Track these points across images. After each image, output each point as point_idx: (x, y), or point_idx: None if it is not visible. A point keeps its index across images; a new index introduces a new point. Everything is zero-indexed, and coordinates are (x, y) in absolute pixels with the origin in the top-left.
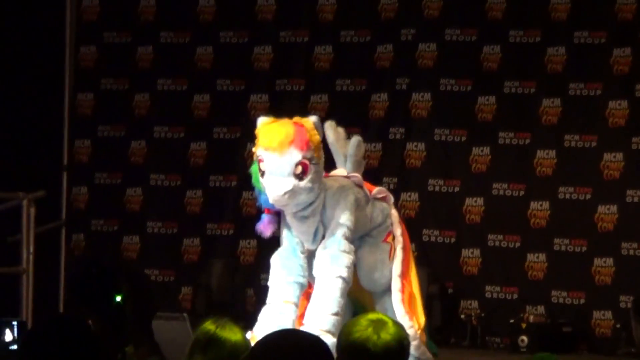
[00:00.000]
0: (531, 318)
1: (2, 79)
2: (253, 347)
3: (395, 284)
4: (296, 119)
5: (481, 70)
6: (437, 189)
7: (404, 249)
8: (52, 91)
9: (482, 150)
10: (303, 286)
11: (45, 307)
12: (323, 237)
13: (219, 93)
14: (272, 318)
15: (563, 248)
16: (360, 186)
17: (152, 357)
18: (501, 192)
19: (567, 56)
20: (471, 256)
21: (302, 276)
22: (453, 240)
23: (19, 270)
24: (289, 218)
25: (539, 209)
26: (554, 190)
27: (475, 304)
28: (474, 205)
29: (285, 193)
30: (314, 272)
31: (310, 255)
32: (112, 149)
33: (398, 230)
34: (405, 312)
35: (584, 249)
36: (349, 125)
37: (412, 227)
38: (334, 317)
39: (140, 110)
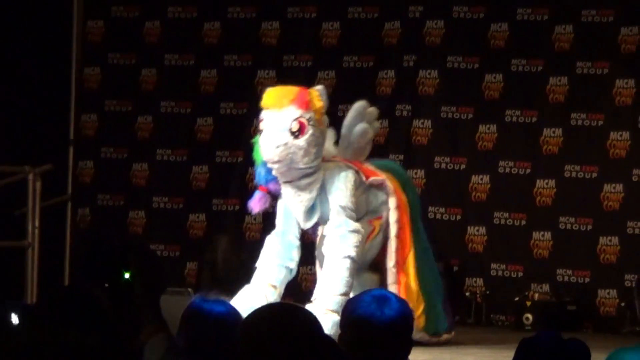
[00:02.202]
0: (536, 296)
1: (9, 54)
2: (243, 321)
3: (390, 276)
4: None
5: (488, 47)
6: (443, 166)
7: (400, 238)
8: (59, 65)
9: (488, 128)
10: (291, 271)
11: (50, 281)
12: (320, 218)
13: (226, 68)
14: (249, 298)
15: (568, 226)
16: (356, 170)
17: (160, 334)
18: (507, 170)
19: (575, 34)
20: (477, 234)
21: (292, 260)
22: (459, 217)
23: (24, 244)
24: (284, 190)
25: (545, 187)
26: (560, 169)
27: (480, 281)
28: (480, 182)
29: (278, 146)
30: (323, 251)
31: (302, 239)
32: (119, 123)
33: (393, 217)
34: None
35: (590, 227)
36: (356, 101)
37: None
38: (342, 297)
39: (147, 85)
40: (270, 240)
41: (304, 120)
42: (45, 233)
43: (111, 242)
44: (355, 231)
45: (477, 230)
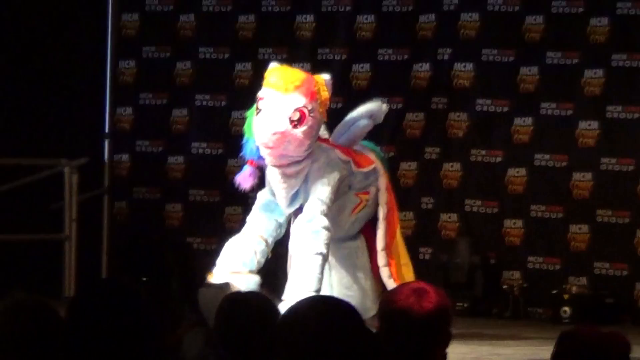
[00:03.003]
0: (574, 289)
1: (45, 48)
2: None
3: (381, 259)
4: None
5: (524, 40)
6: (479, 159)
7: (388, 220)
8: (94, 59)
9: (524, 121)
10: (281, 226)
11: (88, 275)
12: (301, 206)
13: (260, 62)
14: (238, 250)
15: (606, 219)
16: (346, 161)
17: (197, 327)
18: (543, 163)
19: (610, 27)
20: (513, 227)
21: (281, 215)
22: (495, 210)
23: (62, 238)
24: (269, 173)
25: (582, 180)
26: (596, 162)
27: (517, 274)
28: (516, 175)
29: (275, 133)
30: (291, 246)
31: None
32: (154, 117)
33: (383, 199)
34: (395, 280)
35: (627, 220)
36: (391, 94)
37: (454, 197)
38: (314, 295)
39: (182, 79)
40: (262, 195)
41: (305, 110)
42: (82, 226)
43: (149, 236)
44: (327, 228)
45: (514, 224)
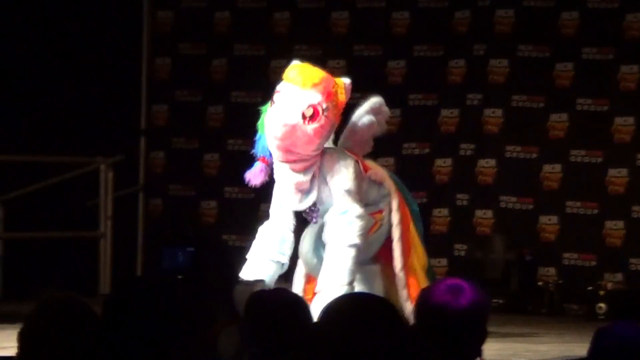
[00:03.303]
0: (609, 285)
1: (80, 45)
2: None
3: (399, 281)
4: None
5: (559, 36)
6: (514, 155)
7: (403, 240)
8: (130, 56)
9: (560, 117)
10: (282, 266)
11: (123, 272)
12: (318, 203)
13: (296, 58)
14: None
15: None
16: (355, 161)
17: (233, 325)
18: (579, 159)
19: None
20: (548, 223)
21: (284, 255)
22: (530, 207)
23: (97, 235)
24: (276, 168)
25: (617, 176)
26: (632, 158)
27: (552, 271)
28: (552, 172)
29: (285, 125)
30: (325, 237)
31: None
32: (190, 113)
33: (396, 219)
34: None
35: None
36: (426, 91)
37: (489, 193)
38: (347, 287)
39: (218, 75)
40: (263, 232)
41: (319, 108)
42: (117, 223)
43: (184, 234)
44: (361, 217)
45: (549, 220)
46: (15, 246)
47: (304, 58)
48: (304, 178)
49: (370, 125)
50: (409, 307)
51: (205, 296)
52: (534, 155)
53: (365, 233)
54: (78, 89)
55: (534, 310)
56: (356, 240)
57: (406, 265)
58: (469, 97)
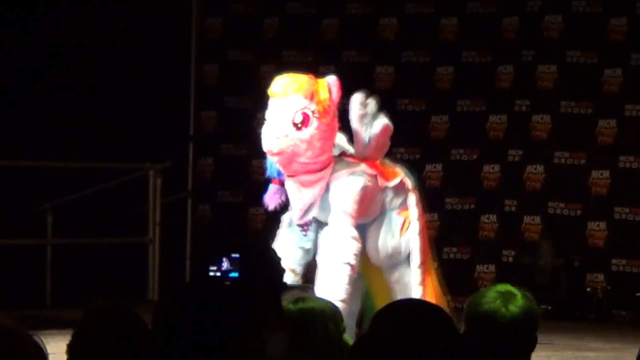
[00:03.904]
0: None
1: (130, 53)
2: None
3: (416, 277)
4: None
5: (607, 42)
6: (562, 161)
7: (422, 235)
8: (179, 62)
9: (608, 123)
10: (308, 251)
11: (172, 277)
12: (316, 220)
13: (344, 65)
14: None
15: None
16: (373, 175)
17: (282, 331)
18: (627, 165)
19: None
20: (597, 229)
21: (309, 240)
22: (579, 212)
23: (146, 241)
24: (287, 185)
25: None
26: None
27: (601, 277)
28: (600, 178)
29: (278, 138)
30: (318, 257)
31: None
32: (238, 120)
33: (415, 214)
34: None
35: None
36: (475, 97)
37: (538, 199)
38: (341, 304)
39: (266, 82)
40: (286, 218)
41: (308, 112)
42: (166, 229)
43: (232, 239)
44: (355, 238)
45: (598, 226)
46: (64, 252)
47: (352, 65)
48: (311, 194)
49: (383, 129)
50: None
51: (253, 302)
52: (582, 162)
53: (359, 255)
54: (127, 95)
55: (582, 316)
56: (350, 259)
57: (425, 263)
58: (517, 103)
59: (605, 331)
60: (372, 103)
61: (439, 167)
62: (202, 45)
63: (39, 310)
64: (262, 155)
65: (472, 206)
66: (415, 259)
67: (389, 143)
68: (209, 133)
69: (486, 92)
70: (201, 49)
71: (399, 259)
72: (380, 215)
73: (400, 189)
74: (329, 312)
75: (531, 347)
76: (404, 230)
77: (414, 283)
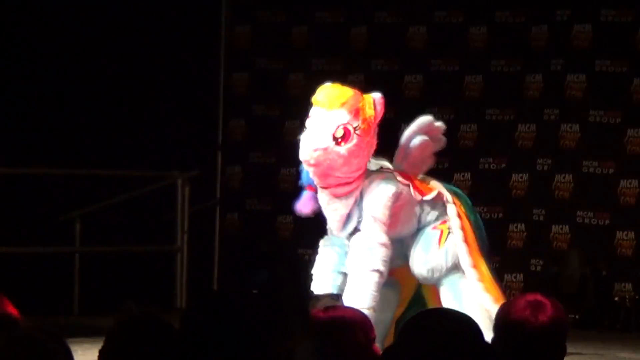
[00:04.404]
0: None
1: (158, 61)
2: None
3: (471, 275)
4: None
5: (637, 51)
6: (591, 170)
7: (468, 242)
8: (208, 71)
9: (637, 132)
10: (346, 275)
11: (200, 286)
12: (356, 228)
13: (372, 73)
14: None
15: None
16: (405, 184)
17: (307, 341)
18: None
19: None
20: (625, 238)
21: (341, 289)
22: (607, 222)
23: (174, 249)
24: (319, 196)
25: None
26: None
27: (629, 286)
28: (629, 187)
29: (316, 150)
30: (347, 263)
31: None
32: (267, 128)
33: (456, 224)
34: (493, 299)
35: None
36: (504, 106)
37: (566, 208)
38: (368, 312)
39: (295, 91)
40: (323, 247)
41: (350, 127)
42: (194, 238)
43: (260, 248)
44: (384, 245)
45: (626, 235)
46: (92, 260)
47: (381, 73)
48: (345, 204)
49: (421, 145)
50: (488, 300)
51: (280, 311)
52: (611, 171)
53: (388, 261)
54: (156, 103)
55: (609, 325)
56: (379, 266)
57: (476, 267)
58: (546, 112)
59: (633, 341)
60: (440, 125)
61: (467, 175)
62: (231, 54)
63: (66, 318)
64: (293, 164)
65: (501, 215)
66: (465, 260)
67: (428, 161)
68: (238, 141)
69: (515, 101)
70: (230, 57)
71: (442, 273)
72: (417, 232)
73: (436, 202)
74: (358, 321)
75: (560, 356)
76: (442, 243)
77: (473, 280)
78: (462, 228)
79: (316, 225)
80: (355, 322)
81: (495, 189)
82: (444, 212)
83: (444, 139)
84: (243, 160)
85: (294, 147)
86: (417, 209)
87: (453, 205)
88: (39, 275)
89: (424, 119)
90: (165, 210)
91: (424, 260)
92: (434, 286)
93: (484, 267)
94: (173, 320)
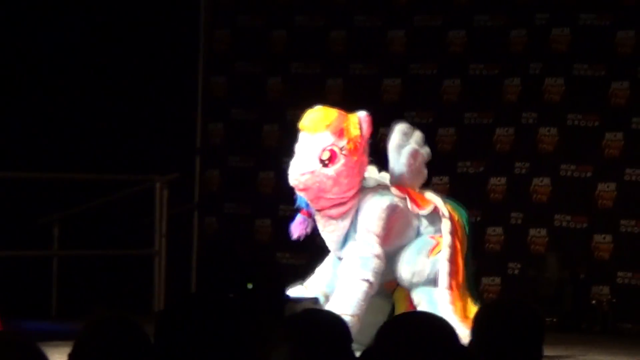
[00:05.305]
0: None
1: (136, 64)
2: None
3: (444, 296)
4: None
5: (615, 55)
6: (569, 174)
7: (452, 262)
8: (186, 74)
9: (615, 136)
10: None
11: (177, 289)
12: None
13: (351, 77)
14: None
15: None
16: (402, 197)
17: (284, 344)
18: (634, 178)
19: None
20: (603, 242)
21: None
22: (585, 225)
23: (152, 252)
24: (316, 219)
25: None
26: None
27: (606, 289)
28: (606, 190)
29: (303, 174)
30: (339, 270)
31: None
32: (245, 132)
33: (446, 240)
34: (458, 319)
35: None
36: (482, 109)
37: (544, 212)
38: (351, 319)
39: (274, 94)
40: (325, 263)
41: (335, 149)
42: (172, 241)
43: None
44: (378, 256)
45: (604, 238)
46: (70, 264)
47: (360, 77)
48: (341, 226)
49: (413, 153)
50: (463, 331)
51: (257, 314)
52: (589, 174)
53: (379, 273)
54: (134, 107)
55: (587, 329)
56: (369, 276)
57: (453, 289)
58: (524, 116)
59: (610, 344)
60: (416, 133)
61: (445, 179)
62: (210, 57)
63: (44, 321)
64: (272, 167)
65: (478, 218)
66: (443, 280)
67: (424, 171)
68: (216, 145)
69: (493, 104)
70: (209, 60)
71: (422, 279)
72: (415, 238)
73: (434, 216)
74: (336, 326)
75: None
76: (433, 252)
77: (443, 302)
78: (452, 246)
79: None
80: (333, 327)
81: (473, 192)
82: (439, 226)
83: (427, 148)
84: (221, 163)
85: (273, 150)
86: (415, 222)
87: (448, 222)
88: (17, 279)
89: (402, 126)
90: (143, 213)
91: (410, 261)
92: (407, 292)
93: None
94: (150, 324)
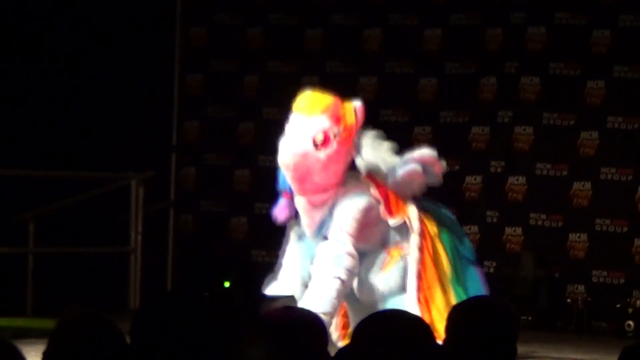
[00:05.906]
0: (638, 303)
1: (113, 61)
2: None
3: (413, 311)
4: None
5: (590, 54)
6: (544, 172)
7: (420, 277)
8: (162, 72)
9: (590, 135)
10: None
11: (153, 287)
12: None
13: (327, 75)
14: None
15: None
16: (378, 200)
17: (260, 341)
18: (609, 177)
19: None
20: (578, 240)
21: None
22: (560, 224)
23: (128, 250)
24: (297, 202)
25: None
26: None
27: (581, 288)
28: (582, 189)
29: (295, 154)
30: (312, 269)
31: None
32: (221, 130)
33: (415, 255)
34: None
35: None
36: (458, 108)
37: (519, 211)
38: (324, 317)
39: (250, 92)
40: (293, 242)
41: (330, 133)
42: (147, 239)
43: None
44: (351, 254)
45: (579, 237)
46: (46, 261)
47: (336, 75)
48: (321, 212)
49: (410, 172)
50: None
51: (232, 312)
52: (564, 173)
53: (353, 272)
54: (110, 104)
55: (562, 327)
56: (342, 274)
57: (420, 300)
58: (500, 115)
59: (585, 342)
60: (385, 145)
61: None
62: (186, 55)
63: (19, 319)
64: (248, 165)
65: (454, 217)
66: (412, 295)
67: (415, 189)
68: (192, 143)
69: (469, 103)
70: (185, 58)
71: (378, 296)
72: (374, 250)
73: (403, 230)
74: (311, 323)
75: (510, 358)
76: (386, 267)
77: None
78: (419, 262)
79: (270, 227)
80: (310, 324)
81: (448, 191)
82: (406, 237)
83: (439, 177)
84: (197, 161)
85: (249, 149)
86: (384, 227)
87: (417, 237)
88: None
89: (426, 151)
90: (119, 211)
91: (366, 278)
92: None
93: (438, 299)
94: (126, 322)
